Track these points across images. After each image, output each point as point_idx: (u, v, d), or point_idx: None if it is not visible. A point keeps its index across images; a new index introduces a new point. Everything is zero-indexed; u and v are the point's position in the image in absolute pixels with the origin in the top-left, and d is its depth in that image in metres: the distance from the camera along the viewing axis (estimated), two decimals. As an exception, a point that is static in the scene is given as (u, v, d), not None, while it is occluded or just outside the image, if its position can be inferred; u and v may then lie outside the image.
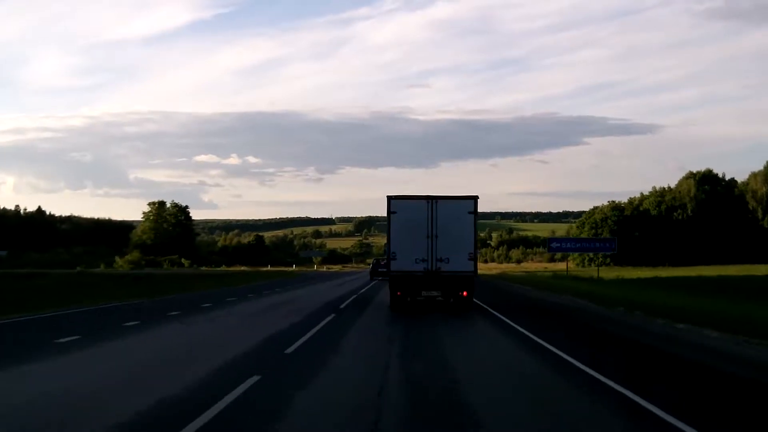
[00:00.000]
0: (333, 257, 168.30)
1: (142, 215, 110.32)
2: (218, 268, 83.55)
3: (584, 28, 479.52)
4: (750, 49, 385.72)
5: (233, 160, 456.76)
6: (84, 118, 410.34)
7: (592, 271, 72.69)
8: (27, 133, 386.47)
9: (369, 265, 58.68)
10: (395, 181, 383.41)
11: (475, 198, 20.49)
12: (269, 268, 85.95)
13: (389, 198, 20.55)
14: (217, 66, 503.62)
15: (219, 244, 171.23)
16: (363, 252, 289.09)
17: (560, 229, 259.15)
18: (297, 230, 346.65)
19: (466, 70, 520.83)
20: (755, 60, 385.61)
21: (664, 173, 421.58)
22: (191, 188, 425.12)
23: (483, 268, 62.58)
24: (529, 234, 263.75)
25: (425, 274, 20.41)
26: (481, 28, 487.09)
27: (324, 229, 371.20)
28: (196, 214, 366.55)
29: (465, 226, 20.29)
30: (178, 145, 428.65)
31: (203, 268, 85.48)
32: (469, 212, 20.31)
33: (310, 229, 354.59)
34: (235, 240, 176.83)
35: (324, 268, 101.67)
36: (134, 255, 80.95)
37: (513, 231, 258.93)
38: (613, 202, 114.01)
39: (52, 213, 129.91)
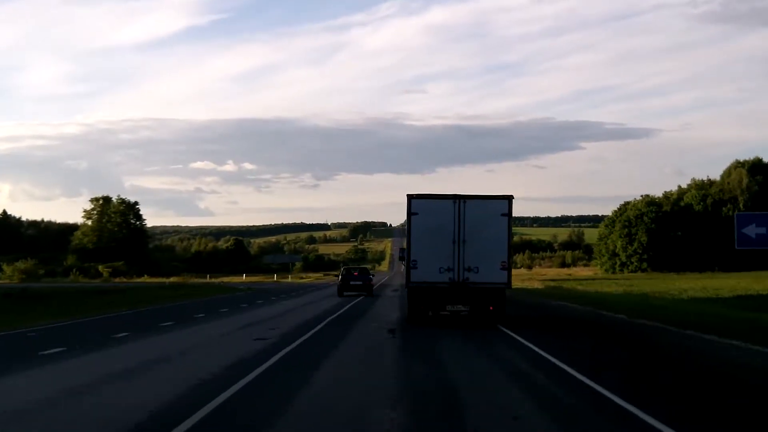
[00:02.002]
0: (319, 263, 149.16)
1: (83, 213, 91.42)
2: (138, 279, 65.10)
3: (580, 33, 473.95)
4: (746, 53, 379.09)
5: (229, 166, 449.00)
6: (79, 126, 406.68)
7: (661, 281, 54.87)
8: (22, 141, 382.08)
9: (338, 277, 40.10)
10: (392, 187, 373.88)
11: (509, 198, 17.72)
12: (208, 278, 66.23)
13: (410, 197, 17.76)
14: (212, 72, 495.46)
15: (193, 249, 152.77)
16: (358, 258, 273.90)
17: (562, 234, 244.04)
18: (290, 236, 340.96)
19: (462, 75, 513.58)
20: (751, 63, 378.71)
21: (661, 177, 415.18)
22: (187, 195, 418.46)
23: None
24: (533, 238, 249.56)
25: (451, 286, 17.69)
26: (476, 32, 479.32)
27: (318, 234, 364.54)
28: (192, 221, 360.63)
29: (497, 229, 17.58)
30: (173, 152, 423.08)
31: (116, 279, 67.59)
32: (503, 214, 17.63)
33: (304, 235, 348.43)
34: (211, 245, 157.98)
35: (289, 278, 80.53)
36: (28, 263, 63.69)
37: (514, 235, 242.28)
38: (647, 196, 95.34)
39: (19, 218, 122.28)
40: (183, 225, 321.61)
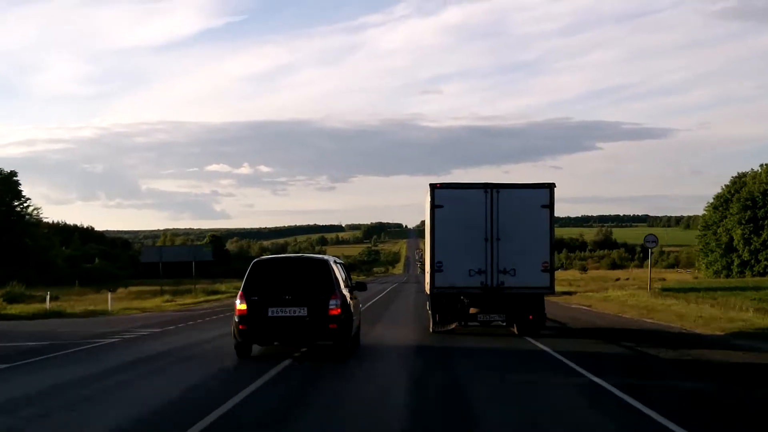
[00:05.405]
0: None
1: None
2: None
3: (595, 31, 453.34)
4: (764, 49, 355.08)
5: (245, 169, 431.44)
6: (94, 129, 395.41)
7: None
8: (37, 145, 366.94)
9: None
10: (407, 189, 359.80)
11: (550, 186, 15.24)
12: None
13: (433, 186, 15.40)
14: (227, 74, 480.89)
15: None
16: (371, 260, 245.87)
17: (588, 233, 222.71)
18: (301, 237, 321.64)
19: (477, 74, 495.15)
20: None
21: (679, 177, 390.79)
22: (204, 198, 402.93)
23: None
24: (565, 237, 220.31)
25: (483, 291, 15.28)
26: (491, 32, 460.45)
27: (331, 236, 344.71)
28: (208, 224, 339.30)
29: (537, 224, 15.10)
30: (188, 155, 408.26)
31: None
32: (543, 206, 15.14)
33: (316, 237, 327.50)
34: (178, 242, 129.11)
35: (108, 306, 28.60)
36: None
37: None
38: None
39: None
40: (196, 228, 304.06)
